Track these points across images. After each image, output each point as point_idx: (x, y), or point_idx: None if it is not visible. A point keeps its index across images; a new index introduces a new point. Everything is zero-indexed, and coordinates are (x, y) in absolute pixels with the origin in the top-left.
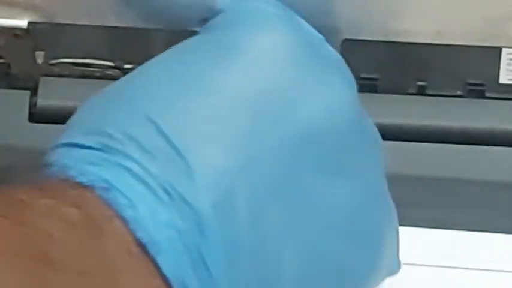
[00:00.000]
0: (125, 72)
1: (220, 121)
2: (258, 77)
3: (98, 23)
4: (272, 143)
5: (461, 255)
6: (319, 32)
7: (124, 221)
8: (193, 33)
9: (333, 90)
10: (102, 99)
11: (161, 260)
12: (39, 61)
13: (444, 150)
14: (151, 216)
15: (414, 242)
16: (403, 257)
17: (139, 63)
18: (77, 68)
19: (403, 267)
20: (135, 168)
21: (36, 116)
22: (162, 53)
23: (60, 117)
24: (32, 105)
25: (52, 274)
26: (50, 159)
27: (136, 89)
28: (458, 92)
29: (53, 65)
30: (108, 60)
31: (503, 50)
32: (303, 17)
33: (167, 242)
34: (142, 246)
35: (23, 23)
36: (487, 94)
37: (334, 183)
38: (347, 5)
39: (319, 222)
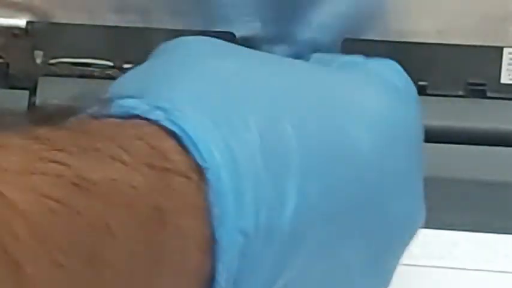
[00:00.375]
0: (125, 72)
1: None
2: (380, 142)
3: (97, 22)
4: (353, 213)
5: (461, 256)
6: None
7: (204, 213)
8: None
9: (420, 187)
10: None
11: (220, 266)
12: (38, 61)
13: (445, 150)
14: (236, 215)
15: (414, 242)
16: (403, 257)
17: (139, 63)
18: (76, 67)
19: (403, 267)
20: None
21: None
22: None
23: None
24: (31, 105)
25: (94, 272)
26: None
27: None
28: (460, 92)
29: (51, 64)
30: (108, 60)
31: (505, 50)
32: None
33: (235, 249)
34: (205, 244)
35: (21, 22)
36: (489, 94)
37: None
38: (348, 5)
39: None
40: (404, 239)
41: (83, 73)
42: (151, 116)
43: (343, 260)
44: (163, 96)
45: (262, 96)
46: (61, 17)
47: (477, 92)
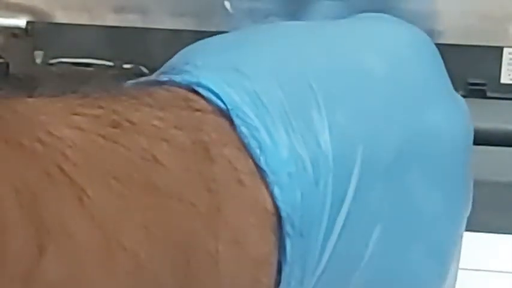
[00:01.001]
0: (124, 72)
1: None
2: (395, 62)
3: (97, 22)
4: (390, 131)
5: (461, 255)
6: None
7: (242, 146)
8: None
9: (456, 105)
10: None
11: (277, 192)
12: (38, 61)
13: None
14: (274, 146)
15: None
16: None
17: (139, 63)
18: (75, 67)
19: None
20: (254, 98)
21: None
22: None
23: None
24: None
25: (151, 199)
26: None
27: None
28: (460, 92)
29: (51, 64)
30: (107, 60)
31: (505, 50)
32: None
33: (287, 176)
34: (255, 175)
35: (21, 22)
36: (489, 94)
37: (427, 192)
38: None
39: (404, 224)
40: (456, 151)
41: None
42: (163, 78)
43: (399, 179)
44: (173, 65)
45: (268, 45)
46: (61, 17)
47: (477, 92)
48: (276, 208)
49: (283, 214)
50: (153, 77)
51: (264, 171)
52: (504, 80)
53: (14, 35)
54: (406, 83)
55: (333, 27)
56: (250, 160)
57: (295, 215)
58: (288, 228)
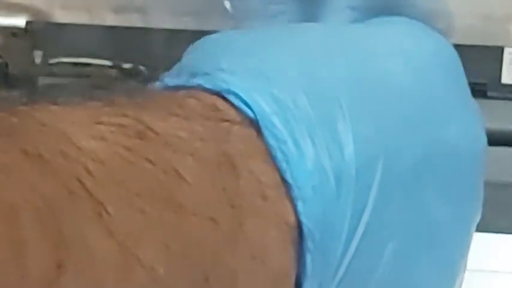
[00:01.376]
0: (124, 72)
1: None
2: (419, 72)
3: (97, 22)
4: (410, 144)
5: None
6: None
7: (269, 158)
8: (193, 33)
9: (473, 119)
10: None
11: (300, 207)
12: (38, 61)
13: None
14: (300, 159)
15: None
16: None
17: (139, 63)
18: (75, 67)
19: None
20: (278, 107)
21: None
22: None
23: None
24: None
25: (172, 215)
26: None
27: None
28: None
29: (51, 64)
30: (107, 60)
31: (505, 50)
32: None
33: (311, 190)
34: (280, 188)
35: (21, 22)
36: (489, 94)
37: (440, 207)
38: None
39: (416, 236)
40: (472, 167)
41: (83, 73)
42: (193, 83)
43: (415, 193)
44: (200, 67)
45: (293, 50)
46: (61, 16)
47: (478, 92)
48: (298, 222)
49: (305, 229)
50: (174, 77)
51: (290, 184)
52: (505, 80)
53: (14, 35)
54: (428, 94)
55: (356, 32)
56: (276, 173)
57: (316, 230)
58: (309, 243)
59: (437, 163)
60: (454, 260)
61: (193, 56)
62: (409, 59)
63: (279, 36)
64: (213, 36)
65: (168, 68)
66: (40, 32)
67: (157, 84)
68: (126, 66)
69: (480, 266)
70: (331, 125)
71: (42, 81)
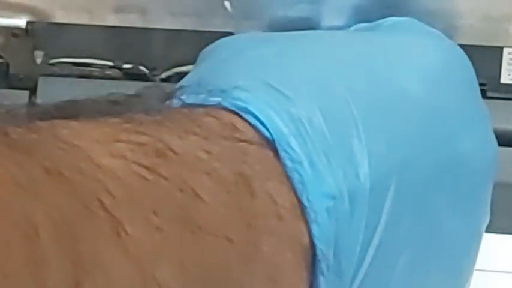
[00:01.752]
0: (124, 72)
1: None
2: (433, 84)
3: (97, 22)
4: (423, 158)
5: None
6: None
7: (285, 179)
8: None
9: (486, 129)
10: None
11: (315, 229)
12: (38, 61)
13: None
14: (316, 180)
15: None
16: None
17: (139, 63)
18: (76, 67)
19: None
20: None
21: None
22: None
23: None
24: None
25: (189, 234)
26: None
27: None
28: None
29: (52, 64)
30: (107, 60)
31: (505, 50)
32: None
33: (325, 213)
34: (295, 210)
35: (21, 22)
36: (489, 94)
37: (452, 218)
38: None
39: (430, 249)
40: (484, 182)
41: (83, 73)
42: (211, 102)
43: (428, 206)
44: (217, 83)
45: (309, 65)
46: (61, 17)
47: None
48: (312, 244)
49: (319, 252)
50: (191, 94)
51: (305, 206)
52: (504, 80)
53: (14, 35)
54: (442, 107)
55: (371, 43)
56: (292, 193)
57: (329, 252)
58: (322, 265)
59: (449, 176)
60: (464, 266)
61: (209, 67)
62: (423, 73)
63: (295, 47)
64: (226, 41)
65: (168, 68)
66: (41, 33)
67: (175, 101)
68: (126, 66)
69: (480, 266)
70: (346, 144)
71: (43, 81)
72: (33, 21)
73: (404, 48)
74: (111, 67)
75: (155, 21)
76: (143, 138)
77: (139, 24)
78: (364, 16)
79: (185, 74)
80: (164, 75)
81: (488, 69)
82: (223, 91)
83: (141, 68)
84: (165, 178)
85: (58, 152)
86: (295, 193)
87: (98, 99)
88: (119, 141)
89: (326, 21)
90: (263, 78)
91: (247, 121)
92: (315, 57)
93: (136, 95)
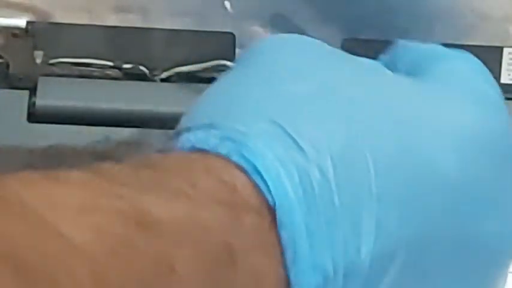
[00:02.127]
0: (124, 72)
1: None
2: (467, 159)
3: (97, 22)
4: (438, 238)
5: None
6: None
7: (277, 250)
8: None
9: None
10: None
11: None
12: (38, 61)
13: None
14: (310, 257)
15: None
16: None
17: (139, 63)
18: (76, 67)
19: None
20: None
21: (35, 116)
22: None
23: (59, 117)
24: (31, 105)
25: None
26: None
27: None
28: None
29: (52, 64)
30: (108, 60)
31: (505, 50)
32: None
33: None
34: (280, 284)
35: (21, 22)
36: None
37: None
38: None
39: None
40: (502, 262)
41: (83, 73)
42: (221, 150)
43: (436, 280)
44: (233, 126)
45: (337, 117)
46: (61, 17)
47: None
48: None
49: None
50: (199, 135)
51: (291, 283)
52: (504, 80)
53: (14, 35)
54: (473, 184)
55: (403, 96)
56: (281, 267)
57: None
58: None
59: (466, 253)
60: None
61: (217, 107)
62: (459, 143)
63: (304, 83)
64: (234, 76)
65: (168, 68)
66: (41, 32)
67: (181, 140)
68: (126, 66)
69: None
70: (355, 213)
71: (43, 81)
72: (33, 21)
73: (442, 109)
74: (111, 67)
75: (155, 21)
76: (122, 205)
77: (139, 24)
78: (365, 21)
79: (185, 74)
80: (164, 75)
81: (488, 69)
82: (232, 140)
83: (141, 68)
84: (141, 252)
85: (20, 228)
86: (283, 266)
87: (83, 151)
88: (95, 209)
89: (326, 23)
90: (285, 124)
91: (251, 181)
92: (349, 105)
93: (127, 143)
